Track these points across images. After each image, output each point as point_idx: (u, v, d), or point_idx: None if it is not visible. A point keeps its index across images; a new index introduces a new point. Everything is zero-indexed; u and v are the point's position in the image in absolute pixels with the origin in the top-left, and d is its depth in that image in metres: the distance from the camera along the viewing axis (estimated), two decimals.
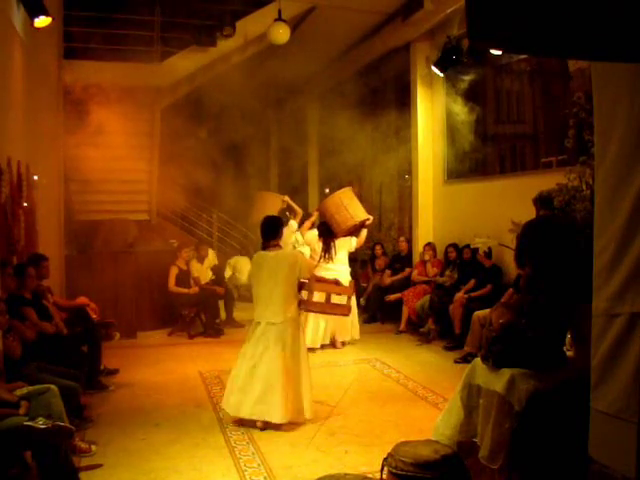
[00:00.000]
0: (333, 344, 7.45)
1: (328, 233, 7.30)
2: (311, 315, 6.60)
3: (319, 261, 7.25)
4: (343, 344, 7.50)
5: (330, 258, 7.26)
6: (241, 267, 10.40)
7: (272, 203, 7.96)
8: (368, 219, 7.32)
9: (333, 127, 10.02)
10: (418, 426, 4.70)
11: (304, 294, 4.94)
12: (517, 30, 1.63)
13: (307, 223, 7.78)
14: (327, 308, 5.50)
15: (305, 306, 4.99)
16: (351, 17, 9.19)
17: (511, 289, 6.31)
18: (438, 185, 9.29)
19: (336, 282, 5.65)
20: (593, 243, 2.20)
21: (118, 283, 8.19)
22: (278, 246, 4.90)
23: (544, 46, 1.72)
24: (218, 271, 9.23)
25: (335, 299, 5.57)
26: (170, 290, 8.34)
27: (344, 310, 5.50)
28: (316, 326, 7.19)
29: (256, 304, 4.86)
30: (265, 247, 4.86)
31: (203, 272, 8.77)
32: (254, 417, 4.68)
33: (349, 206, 6.95)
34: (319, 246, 7.34)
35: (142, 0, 9.12)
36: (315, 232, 7.51)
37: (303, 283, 4.87)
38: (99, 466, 4.01)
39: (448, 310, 7.46)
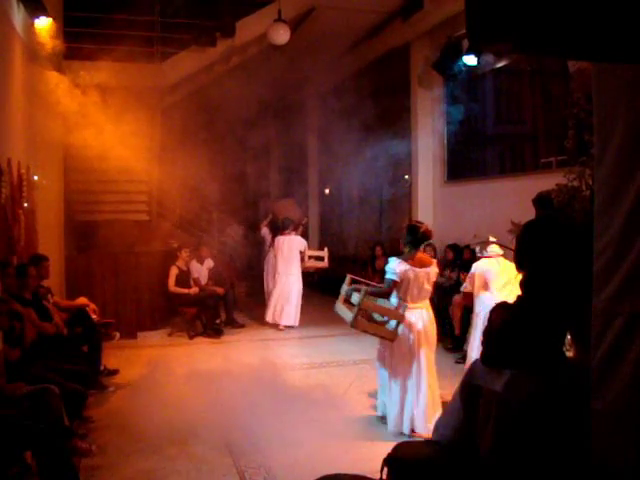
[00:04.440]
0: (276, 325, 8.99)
1: (276, 229, 9.81)
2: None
3: (269, 247, 9.87)
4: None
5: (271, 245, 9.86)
6: None
7: (293, 212, 10.32)
8: (304, 219, 10.31)
9: (333, 127, 10.02)
10: None
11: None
12: (517, 30, 1.63)
13: (265, 222, 10.35)
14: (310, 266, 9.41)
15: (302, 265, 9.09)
16: (351, 17, 9.20)
17: None
18: (438, 185, 9.29)
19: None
20: (593, 243, 2.20)
21: (118, 283, 8.20)
22: (291, 233, 9.02)
23: (544, 46, 1.72)
24: (216, 272, 9.23)
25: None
26: (170, 290, 8.34)
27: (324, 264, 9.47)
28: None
29: (280, 265, 8.91)
30: (282, 234, 9.00)
31: (203, 272, 8.77)
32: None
33: (290, 209, 9.96)
34: (269, 237, 9.98)
35: (142, 0, 9.12)
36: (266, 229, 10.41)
37: (303, 253, 9.02)
38: (99, 466, 4.02)
39: (448, 310, 7.46)
